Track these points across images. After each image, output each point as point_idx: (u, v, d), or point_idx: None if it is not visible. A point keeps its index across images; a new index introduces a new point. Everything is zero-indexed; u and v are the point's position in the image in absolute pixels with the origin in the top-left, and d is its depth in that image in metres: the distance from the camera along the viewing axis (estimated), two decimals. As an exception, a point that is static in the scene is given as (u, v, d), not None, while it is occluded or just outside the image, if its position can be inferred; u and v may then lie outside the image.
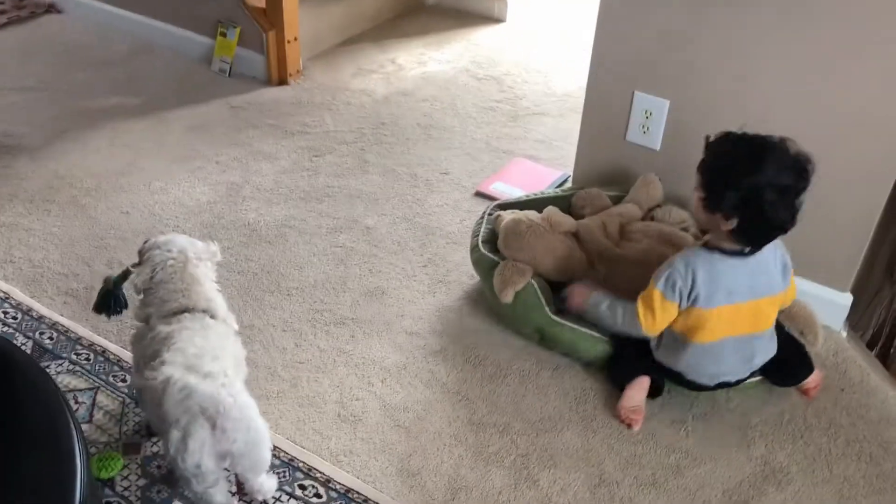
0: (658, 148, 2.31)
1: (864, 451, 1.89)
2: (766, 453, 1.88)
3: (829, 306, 2.20)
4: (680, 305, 1.83)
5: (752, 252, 1.80)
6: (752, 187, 1.68)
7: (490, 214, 2.29)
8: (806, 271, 2.18)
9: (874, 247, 2.46)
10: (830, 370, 2.10)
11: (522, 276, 2.05)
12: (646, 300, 1.85)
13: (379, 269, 2.40)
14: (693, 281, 1.79)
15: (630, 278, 2.04)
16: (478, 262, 2.21)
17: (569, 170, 2.61)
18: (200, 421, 1.44)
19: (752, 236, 1.77)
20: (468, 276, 2.36)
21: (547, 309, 2.04)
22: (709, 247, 1.82)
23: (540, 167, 2.87)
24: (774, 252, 1.85)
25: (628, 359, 1.97)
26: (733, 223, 1.73)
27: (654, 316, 1.84)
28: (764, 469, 1.84)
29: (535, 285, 2.05)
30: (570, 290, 2.03)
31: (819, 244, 2.14)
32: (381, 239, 2.52)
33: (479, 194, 2.73)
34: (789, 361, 1.97)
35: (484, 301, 2.27)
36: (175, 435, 1.45)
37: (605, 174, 2.44)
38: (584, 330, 2.02)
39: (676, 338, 1.88)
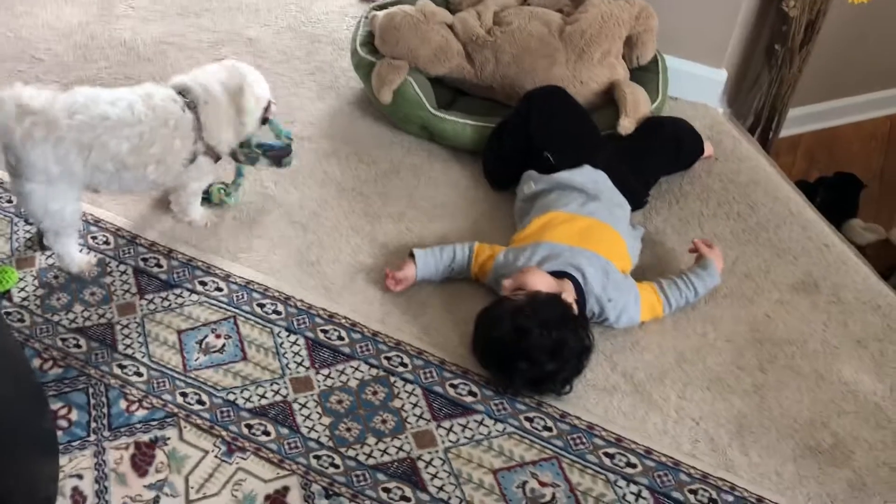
0: (538, -66, 2.27)
1: (733, 211, 2.04)
2: (642, 220, 2.00)
3: (704, 83, 2.29)
4: None
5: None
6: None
7: (367, 17, 2.25)
8: (679, 49, 2.25)
9: (753, 32, 2.54)
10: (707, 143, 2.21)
11: (398, 73, 2.05)
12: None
13: (265, 78, 2.35)
14: None
15: (506, 63, 2.06)
16: (358, 65, 2.20)
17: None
18: None
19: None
20: (357, 80, 2.34)
21: (427, 104, 2.06)
22: None
23: (426, -31, 2.79)
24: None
25: (503, 163, 2.02)
26: None
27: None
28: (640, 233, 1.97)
29: (413, 82, 2.06)
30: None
31: (690, 20, 2.20)
32: (265, 49, 2.46)
33: None
34: (685, 151, 2.08)
35: (374, 102, 2.27)
36: None
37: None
38: (467, 121, 2.06)
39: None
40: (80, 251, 1.83)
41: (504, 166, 2.01)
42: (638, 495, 1.50)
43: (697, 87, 2.30)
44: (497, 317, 1.59)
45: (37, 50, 2.41)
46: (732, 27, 2.19)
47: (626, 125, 2.01)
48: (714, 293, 1.84)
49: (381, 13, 2.16)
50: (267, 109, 1.86)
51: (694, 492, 1.51)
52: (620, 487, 1.51)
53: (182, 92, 1.73)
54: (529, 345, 1.54)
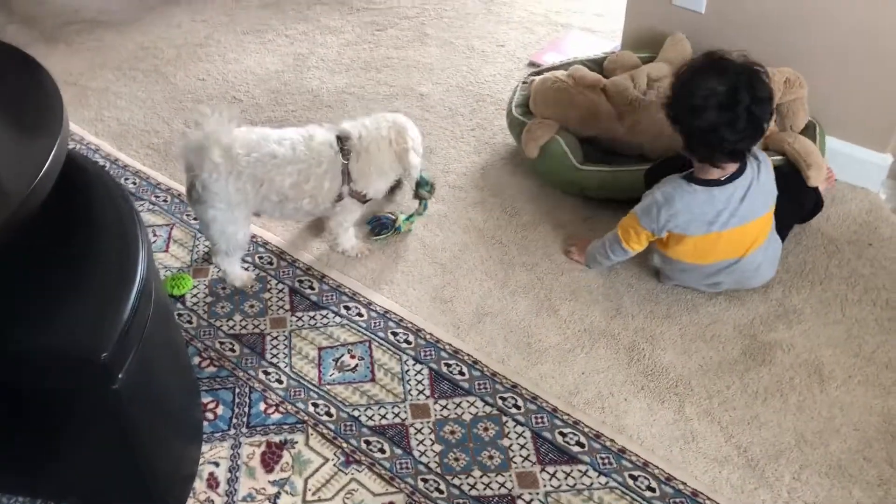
0: (703, 10, 2.33)
1: (881, 298, 1.96)
2: (782, 297, 1.97)
3: (866, 166, 2.22)
4: (655, 234, 1.87)
5: (731, 180, 1.79)
6: (680, 98, 1.75)
7: (525, 82, 2.39)
8: (842, 132, 2.21)
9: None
10: (861, 227, 2.15)
11: (547, 131, 2.17)
12: (625, 220, 1.90)
13: (429, 131, 2.55)
14: (670, 211, 1.81)
15: (658, 124, 2.12)
16: (511, 124, 2.34)
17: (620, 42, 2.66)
18: None
19: (694, 149, 1.78)
20: (512, 138, 2.48)
21: (572, 158, 2.16)
22: (688, 178, 1.83)
23: (593, 38, 2.91)
24: (758, 172, 1.82)
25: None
26: (681, 139, 1.78)
27: (630, 235, 1.89)
28: (777, 309, 1.94)
29: (561, 140, 2.17)
30: (575, 247, 2.09)
31: (854, 103, 2.15)
32: (433, 105, 2.66)
33: (532, 65, 2.82)
34: (804, 205, 2.06)
35: (527, 160, 2.39)
36: None
37: (652, 41, 2.47)
38: (614, 168, 2.14)
39: (663, 255, 1.95)
40: (246, 268, 2.06)
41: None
42: (735, 570, 1.48)
43: (858, 171, 2.24)
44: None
45: (238, 91, 2.75)
46: (900, 111, 2.13)
47: (814, 176, 2.01)
48: (848, 378, 1.78)
49: (538, 78, 2.30)
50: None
51: (796, 577, 1.46)
52: (718, 559, 1.50)
53: (343, 138, 1.93)
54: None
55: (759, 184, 1.82)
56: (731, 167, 1.79)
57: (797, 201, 2.04)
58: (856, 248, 2.09)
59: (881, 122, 2.17)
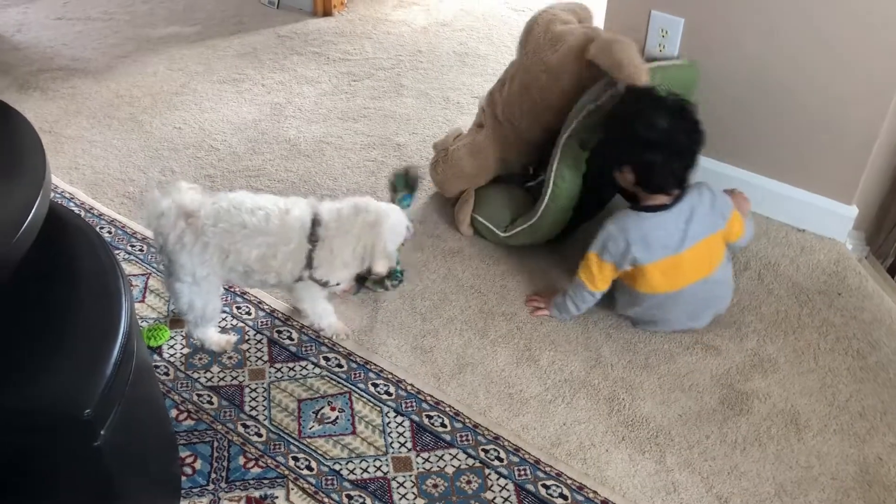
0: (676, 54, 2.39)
1: (852, 347, 2.00)
2: (756, 346, 2.01)
3: (832, 218, 2.28)
4: (618, 266, 1.91)
5: (674, 203, 1.87)
6: (627, 138, 1.85)
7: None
8: (808, 183, 2.27)
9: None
10: (830, 277, 2.20)
11: (466, 210, 2.33)
12: (583, 264, 1.95)
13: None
14: (627, 242, 1.87)
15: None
16: None
17: (593, 92, 2.72)
18: None
19: (649, 182, 1.85)
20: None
21: (496, 231, 2.28)
22: (635, 208, 1.91)
23: (567, 91, 2.97)
24: (699, 197, 1.89)
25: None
26: (632, 176, 1.86)
27: (593, 274, 1.93)
28: (753, 359, 1.98)
29: (479, 217, 2.31)
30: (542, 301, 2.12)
31: (820, 156, 2.22)
32: (410, 155, 2.69)
33: (507, 116, 2.87)
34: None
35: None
36: None
37: (624, 94, 2.54)
38: (530, 223, 2.19)
39: (628, 290, 1.98)
40: (223, 321, 2.04)
41: None
42: None
43: (825, 222, 2.30)
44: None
45: (214, 140, 2.76)
46: (864, 165, 2.20)
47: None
48: (824, 427, 1.80)
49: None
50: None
51: None
52: None
53: (316, 222, 1.84)
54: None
55: (702, 205, 1.89)
56: (676, 192, 1.88)
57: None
58: (826, 298, 2.14)
59: (846, 176, 2.24)
